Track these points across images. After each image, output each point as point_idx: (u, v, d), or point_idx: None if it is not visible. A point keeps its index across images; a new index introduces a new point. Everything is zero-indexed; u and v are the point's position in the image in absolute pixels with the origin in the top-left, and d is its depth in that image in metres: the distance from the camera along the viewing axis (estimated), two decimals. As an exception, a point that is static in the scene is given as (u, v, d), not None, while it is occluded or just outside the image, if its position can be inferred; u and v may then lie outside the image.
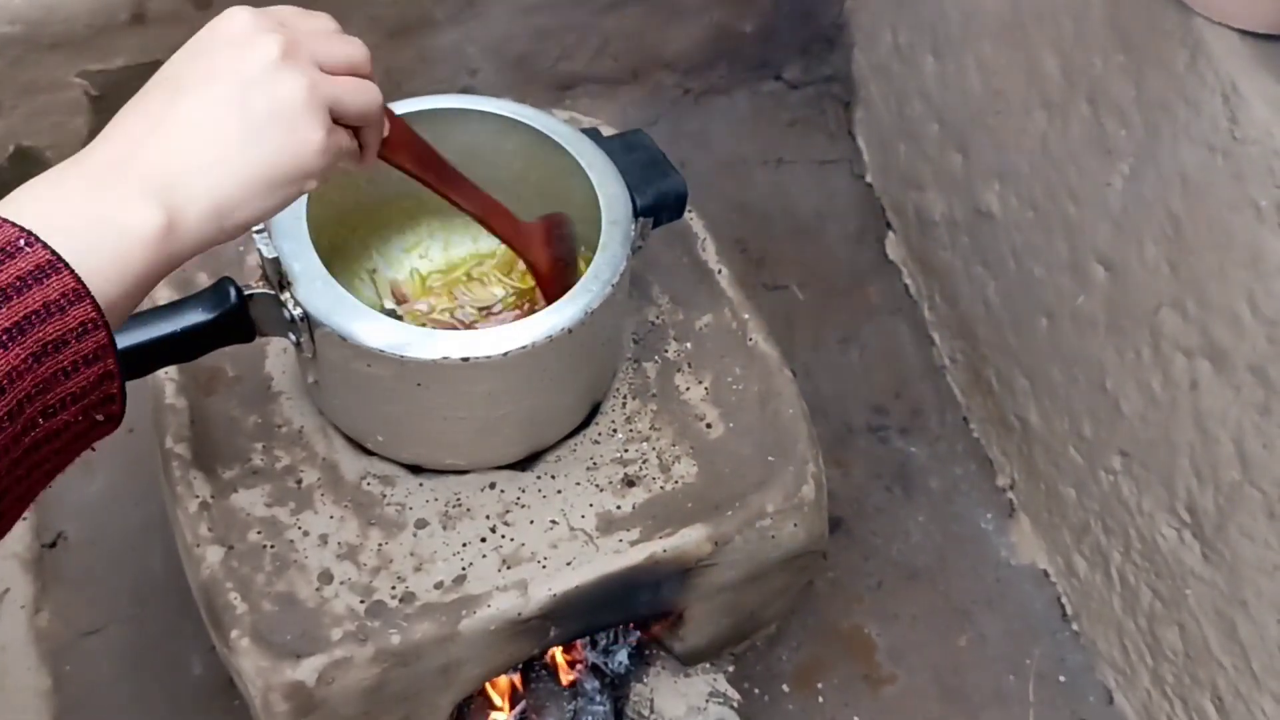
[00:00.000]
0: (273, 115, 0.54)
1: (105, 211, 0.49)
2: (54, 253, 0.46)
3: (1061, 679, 1.39)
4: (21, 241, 0.45)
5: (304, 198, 0.89)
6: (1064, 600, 1.43)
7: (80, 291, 0.46)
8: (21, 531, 1.35)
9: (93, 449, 0.51)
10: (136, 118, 0.54)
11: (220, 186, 0.53)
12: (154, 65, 1.50)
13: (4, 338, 0.44)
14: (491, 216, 0.89)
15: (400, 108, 0.99)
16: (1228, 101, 1.04)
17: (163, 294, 1.04)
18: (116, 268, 0.48)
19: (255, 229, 0.89)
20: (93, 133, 1.47)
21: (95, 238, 0.48)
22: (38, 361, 0.45)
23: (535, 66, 1.66)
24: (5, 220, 0.46)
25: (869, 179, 1.75)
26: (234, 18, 0.56)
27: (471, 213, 0.88)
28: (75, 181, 0.50)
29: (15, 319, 0.44)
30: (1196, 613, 1.18)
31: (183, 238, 0.51)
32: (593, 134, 1.01)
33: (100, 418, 0.49)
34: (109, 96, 1.45)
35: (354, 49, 0.62)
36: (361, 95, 0.61)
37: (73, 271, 0.46)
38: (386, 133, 0.69)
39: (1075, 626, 1.41)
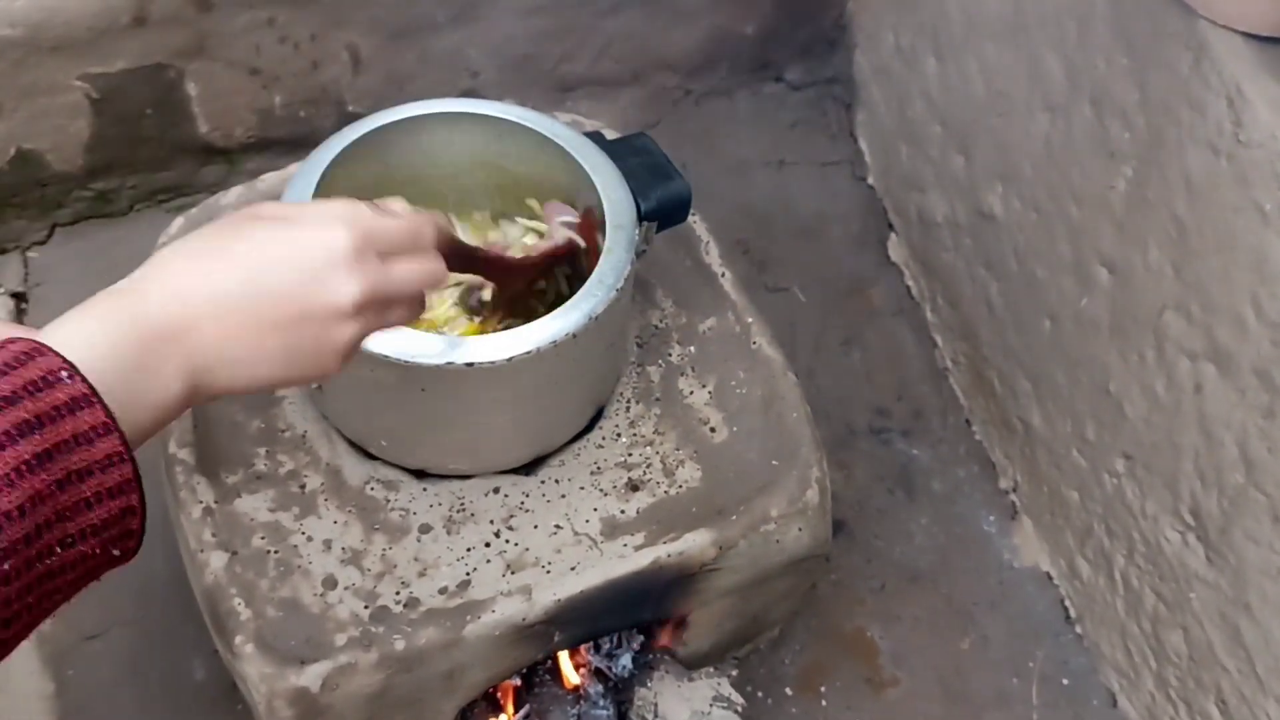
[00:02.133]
0: (315, 352, 0.59)
1: (145, 379, 0.52)
2: (90, 387, 0.48)
3: (1065, 681, 1.38)
4: (63, 373, 0.48)
5: (309, 194, 0.90)
6: (1067, 603, 1.43)
7: (110, 426, 0.48)
8: (23, 535, 1.35)
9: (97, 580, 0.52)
10: (208, 282, 0.55)
11: (242, 382, 0.57)
12: (155, 68, 1.49)
13: (34, 462, 0.45)
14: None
15: (402, 112, 0.99)
16: (1232, 105, 1.04)
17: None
18: (143, 419, 0.52)
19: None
20: (94, 135, 1.48)
21: (129, 395, 0.51)
22: (61, 489, 0.46)
23: (536, 68, 1.66)
24: (52, 350, 0.48)
25: (871, 181, 1.75)
26: (338, 243, 0.58)
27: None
28: (128, 340, 0.52)
29: (45, 446, 0.46)
30: (1200, 616, 1.18)
31: (199, 401, 0.56)
32: (596, 137, 1.00)
33: (116, 552, 0.50)
34: (110, 99, 1.45)
35: (429, 270, 0.65)
36: (415, 313, 0.66)
37: (104, 406, 0.48)
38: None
39: (1078, 629, 1.41)
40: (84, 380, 0.48)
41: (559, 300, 0.93)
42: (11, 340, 0.48)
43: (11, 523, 0.44)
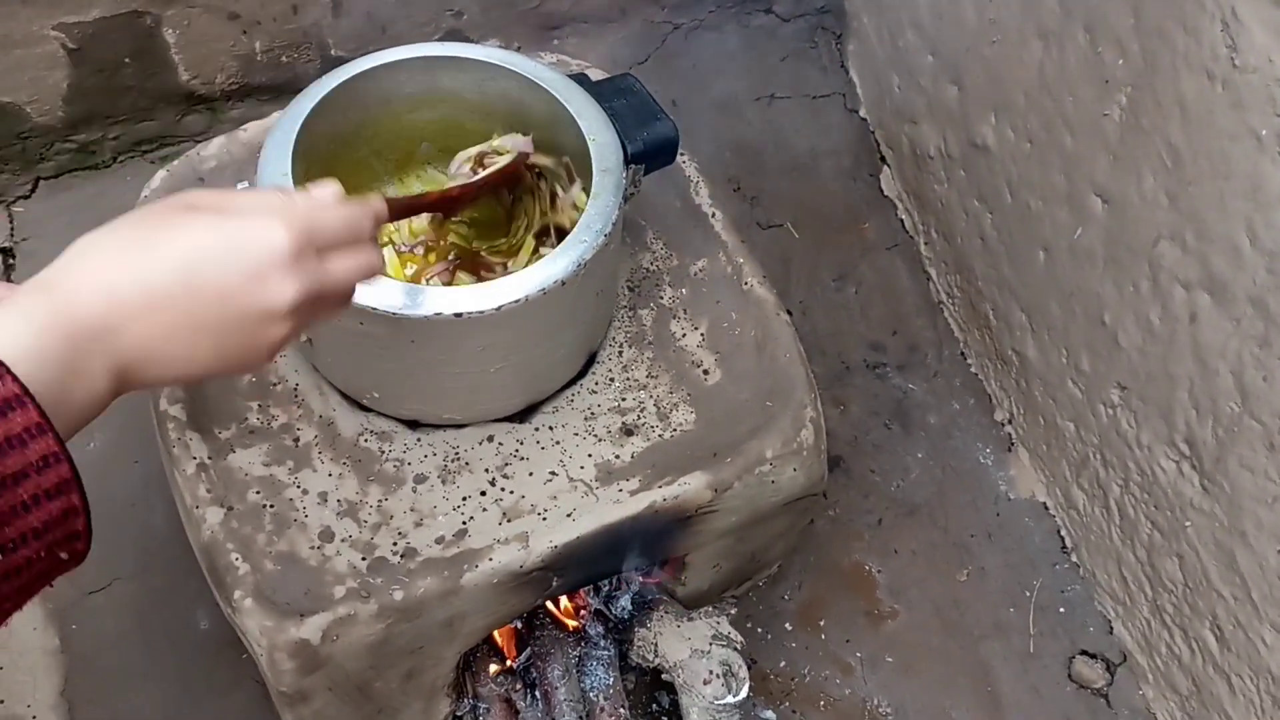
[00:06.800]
0: (245, 349, 0.57)
1: (75, 378, 0.50)
2: (23, 387, 0.46)
3: (1061, 610, 1.40)
4: None
5: (289, 152, 0.88)
6: (1063, 532, 1.44)
7: (43, 426, 0.46)
8: (22, 492, 1.35)
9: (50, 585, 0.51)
10: (139, 277, 0.53)
11: (170, 376, 0.56)
12: (131, 16, 1.46)
13: None
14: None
15: (386, 56, 0.97)
16: (1227, 28, 1.02)
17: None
18: (71, 416, 0.50)
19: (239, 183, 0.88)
20: (72, 86, 1.46)
21: (58, 394, 0.49)
22: None
23: (521, 6, 1.63)
24: None
25: (863, 113, 1.73)
26: (277, 242, 0.56)
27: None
28: (56, 339, 0.50)
29: None
30: (1196, 544, 1.19)
31: (124, 392, 0.54)
32: (581, 79, 0.99)
33: (64, 555, 0.49)
34: (87, 49, 1.42)
35: (365, 264, 0.63)
36: (346, 305, 0.64)
37: (38, 406, 0.46)
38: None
39: (1074, 558, 1.42)
40: (15, 380, 0.46)
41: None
42: None
43: None
